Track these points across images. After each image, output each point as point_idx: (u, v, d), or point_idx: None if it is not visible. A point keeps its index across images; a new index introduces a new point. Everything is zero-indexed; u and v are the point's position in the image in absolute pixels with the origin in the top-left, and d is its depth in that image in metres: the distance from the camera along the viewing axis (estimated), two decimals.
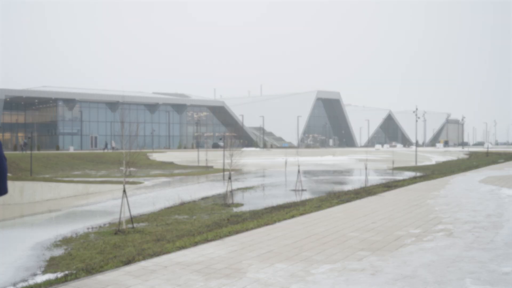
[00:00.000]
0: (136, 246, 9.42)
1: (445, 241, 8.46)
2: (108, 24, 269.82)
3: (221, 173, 30.39)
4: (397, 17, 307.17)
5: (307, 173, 32.65)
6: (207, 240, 8.93)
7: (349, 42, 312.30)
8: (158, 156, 49.17)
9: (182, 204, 16.59)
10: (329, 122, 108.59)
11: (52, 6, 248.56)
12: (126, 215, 12.00)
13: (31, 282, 7.48)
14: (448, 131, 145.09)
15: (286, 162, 40.28)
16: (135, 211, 13.87)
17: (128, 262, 7.51)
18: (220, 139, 77.11)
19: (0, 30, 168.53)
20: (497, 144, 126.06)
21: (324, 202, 14.60)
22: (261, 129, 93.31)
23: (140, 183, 26.30)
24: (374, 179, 25.06)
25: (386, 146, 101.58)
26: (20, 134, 66.01)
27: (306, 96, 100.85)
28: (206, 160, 42.28)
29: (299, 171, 23.01)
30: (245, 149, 69.41)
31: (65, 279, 6.82)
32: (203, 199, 18.03)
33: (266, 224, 10.69)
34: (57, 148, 61.98)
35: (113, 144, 64.30)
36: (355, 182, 24.66)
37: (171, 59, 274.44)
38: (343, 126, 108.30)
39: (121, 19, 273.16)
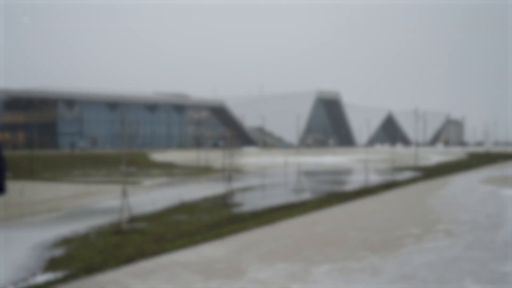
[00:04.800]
0: (136, 246, 9.42)
1: (445, 241, 8.46)
2: (108, 25, 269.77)
3: (221, 173, 30.40)
4: (398, 18, 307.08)
5: (307, 173, 32.65)
6: (207, 240, 8.93)
7: (350, 42, 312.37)
8: (158, 156, 49.16)
9: (182, 204, 16.59)
10: (329, 122, 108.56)
11: (51, 6, 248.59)
12: (126, 215, 11.99)
13: (31, 282, 7.48)
14: (448, 131, 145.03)
15: (286, 162, 40.25)
16: (135, 211, 13.87)
17: (128, 262, 7.51)
18: (220, 139, 77.11)
19: (0, 30, 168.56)
20: (497, 144, 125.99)
21: (324, 202, 14.60)
22: (261, 129, 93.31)
23: (140, 183, 26.29)
24: (374, 179, 25.06)
25: (386, 146, 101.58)
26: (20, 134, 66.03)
27: (306, 96, 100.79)
28: (206, 160, 42.28)
29: (299, 171, 22.99)
30: (245, 149, 69.55)
31: (65, 279, 6.82)
32: (203, 199, 18.02)
33: (266, 224, 10.69)
34: (57, 148, 62.03)
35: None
36: (355, 182, 24.65)
37: (171, 59, 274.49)
38: (343, 126, 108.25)
39: (121, 20, 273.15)
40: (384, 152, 69.73)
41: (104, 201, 19.17)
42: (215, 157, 44.03)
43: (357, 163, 44.49)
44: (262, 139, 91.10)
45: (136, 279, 6.40)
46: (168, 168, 38.52)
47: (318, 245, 8.28)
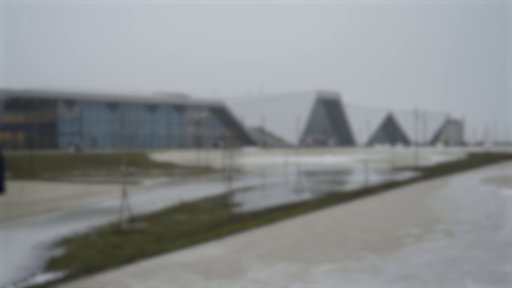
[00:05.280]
0: (136, 246, 9.42)
1: (445, 241, 8.46)
2: (109, 25, 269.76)
3: (221, 173, 30.39)
4: (398, 18, 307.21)
5: (307, 173, 32.65)
6: (207, 240, 8.93)
7: (350, 42, 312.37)
8: (158, 156, 49.16)
9: (182, 204, 16.59)
10: (329, 122, 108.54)
11: (51, 6, 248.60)
12: (126, 215, 11.99)
13: (31, 282, 7.48)
14: (448, 131, 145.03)
15: (286, 162, 40.24)
16: (135, 211, 13.87)
17: (128, 262, 7.51)
18: (220, 139, 77.12)
19: (0, 30, 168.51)
20: (497, 144, 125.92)
21: (324, 202, 14.59)
22: (261, 129, 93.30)
23: (140, 183, 26.29)
24: (374, 179, 25.05)
25: (386, 146, 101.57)
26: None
27: (306, 96, 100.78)
28: (206, 160, 42.29)
29: (299, 171, 23.00)
30: (245, 149, 69.53)
31: (65, 279, 6.82)
32: (203, 199, 18.02)
33: (266, 224, 10.69)
34: (57, 148, 62.00)
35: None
36: (355, 182, 24.66)
37: (171, 59, 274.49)
38: (343, 126, 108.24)
39: (121, 20, 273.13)
40: (384, 152, 69.73)
41: (104, 201, 19.17)
42: (215, 157, 44.02)
43: (357, 163, 44.48)
44: (262, 139, 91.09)
45: (136, 279, 6.40)
46: (168, 168, 38.52)
47: (318, 245, 8.28)
